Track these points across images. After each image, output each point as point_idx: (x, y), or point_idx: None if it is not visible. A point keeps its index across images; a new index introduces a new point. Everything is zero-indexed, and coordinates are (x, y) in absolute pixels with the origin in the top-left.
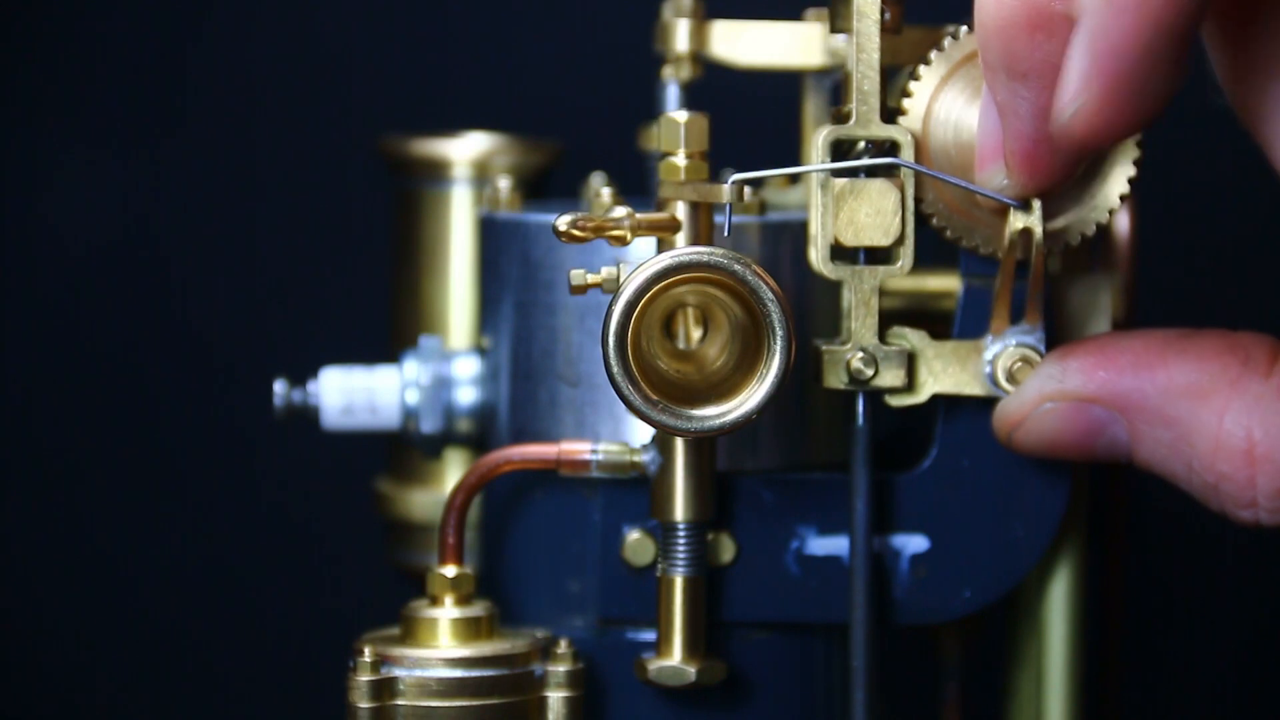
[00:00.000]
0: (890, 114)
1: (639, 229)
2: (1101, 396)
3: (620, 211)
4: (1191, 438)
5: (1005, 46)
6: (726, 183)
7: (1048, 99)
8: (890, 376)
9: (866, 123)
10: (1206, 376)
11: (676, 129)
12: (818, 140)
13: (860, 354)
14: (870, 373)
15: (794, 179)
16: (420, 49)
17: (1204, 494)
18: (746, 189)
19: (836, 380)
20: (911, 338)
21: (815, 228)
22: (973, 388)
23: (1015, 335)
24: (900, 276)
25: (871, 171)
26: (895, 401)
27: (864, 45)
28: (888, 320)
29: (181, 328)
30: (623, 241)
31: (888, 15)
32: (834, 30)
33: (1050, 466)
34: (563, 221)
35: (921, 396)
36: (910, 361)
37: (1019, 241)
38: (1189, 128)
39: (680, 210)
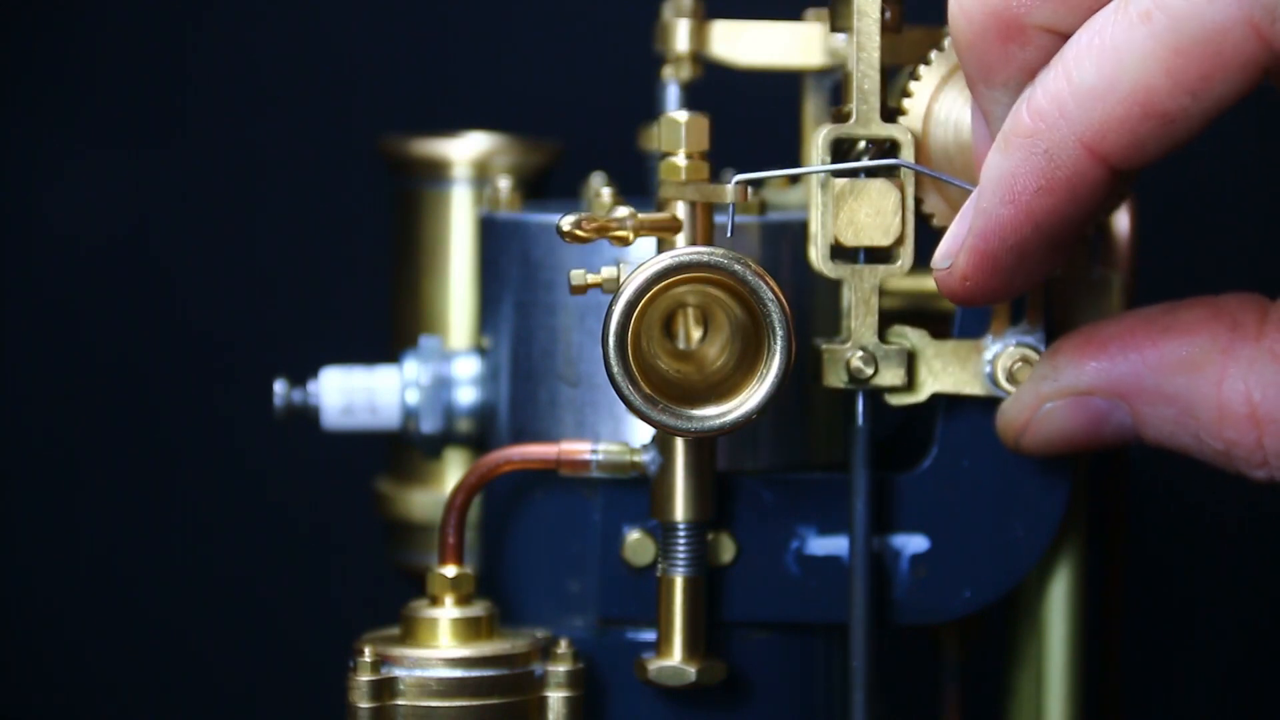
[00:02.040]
0: (890, 114)
1: (641, 229)
2: (1098, 386)
3: (623, 212)
4: (1194, 410)
5: (980, 59)
6: (729, 183)
7: None
8: (890, 375)
9: (867, 122)
10: (1197, 348)
11: (677, 129)
12: (818, 139)
13: (860, 353)
14: (870, 371)
15: (794, 179)
16: (420, 49)
17: (1217, 461)
18: (749, 189)
19: (836, 379)
20: (912, 336)
21: (815, 226)
22: (972, 387)
23: (1015, 335)
24: (900, 276)
25: (871, 171)
26: (895, 400)
27: (864, 44)
28: (887, 320)
29: (182, 327)
30: (625, 242)
31: (888, 14)
32: (834, 29)
33: (1050, 466)
34: (566, 222)
35: (921, 395)
36: (910, 360)
37: None
38: None
39: (680, 210)
